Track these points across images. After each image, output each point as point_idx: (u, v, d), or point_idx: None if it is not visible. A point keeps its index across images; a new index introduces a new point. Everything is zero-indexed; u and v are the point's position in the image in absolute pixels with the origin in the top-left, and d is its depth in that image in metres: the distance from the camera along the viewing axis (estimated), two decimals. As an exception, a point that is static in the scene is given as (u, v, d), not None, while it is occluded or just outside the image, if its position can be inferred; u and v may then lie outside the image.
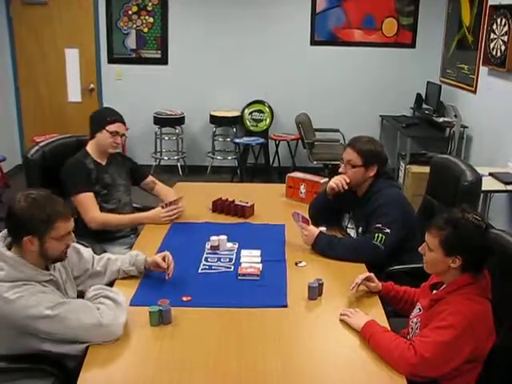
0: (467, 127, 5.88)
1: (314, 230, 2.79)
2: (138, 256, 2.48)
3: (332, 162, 6.34)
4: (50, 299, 1.99)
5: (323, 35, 7.00)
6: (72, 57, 6.93)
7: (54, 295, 2.05)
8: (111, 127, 3.16)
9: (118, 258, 2.49)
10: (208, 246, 2.80)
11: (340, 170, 2.96)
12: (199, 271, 2.56)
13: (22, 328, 1.96)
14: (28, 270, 2.02)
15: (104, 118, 3.21)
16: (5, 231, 2.10)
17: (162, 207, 3.15)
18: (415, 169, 5.75)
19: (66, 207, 2.11)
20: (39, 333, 1.96)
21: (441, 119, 6.13)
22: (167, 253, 2.47)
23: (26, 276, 2.01)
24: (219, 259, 2.67)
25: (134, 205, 3.47)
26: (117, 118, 3.22)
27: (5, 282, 1.96)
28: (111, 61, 7.00)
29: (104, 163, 3.25)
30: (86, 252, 2.44)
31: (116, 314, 2.02)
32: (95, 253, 2.51)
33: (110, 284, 2.39)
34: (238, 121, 6.98)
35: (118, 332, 2.00)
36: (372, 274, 2.38)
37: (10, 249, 2.05)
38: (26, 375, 2.07)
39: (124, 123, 3.25)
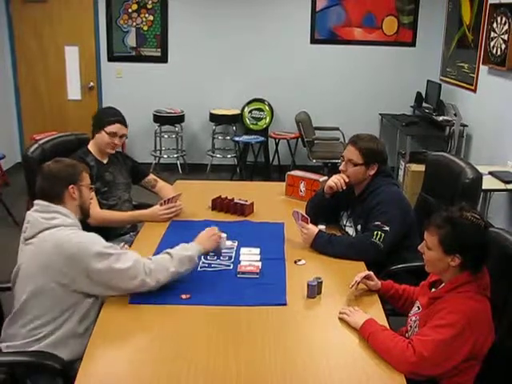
0: (467, 126, 5.89)
1: (314, 229, 2.78)
2: None
3: (332, 161, 6.35)
4: (103, 241, 2.22)
5: (323, 33, 7.00)
6: (72, 55, 6.94)
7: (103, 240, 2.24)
8: (109, 128, 3.17)
9: None
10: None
11: (340, 167, 2.95)
12: (198, 269, 2.55)
13: (77, 265, 2.11)
14: (74, 217, 2.30)
15: (103, 118, 3.22)
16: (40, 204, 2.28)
17: (161, 204, 3.15)
18: (415, 167, 5.75)
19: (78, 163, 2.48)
20: (90, 272, 2.12)
21: (441, 118, 6.13)
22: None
23: (75, 223, 2.29)
24: (218, 257, 2.67)
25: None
26: (116, 119, 3.21)
27: (62, 226, 2.20)
28: (111, 59, 7.00)
29: (105, 161, 3.26)
30: None
31: (159, 275, 2.23)
32: None
33: None
34: (237, 119, 6.98)
35: (152, 288, 2.23)
36: (371, 273, 2.38)
37: None
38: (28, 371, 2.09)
39: (124, 124, 3.25)
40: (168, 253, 2.32)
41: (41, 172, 2.36)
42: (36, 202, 2.27)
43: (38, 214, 2.22)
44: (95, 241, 2.18)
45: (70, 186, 2.31)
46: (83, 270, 2.11)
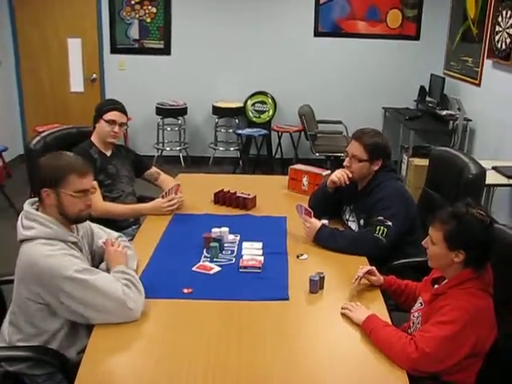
0: (471, 120, 5.86)
1: (316, 223, 2.78)
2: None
3: (334, 154, 6.34)
4: (80, 263, 2.03)
5: (327, 26, 6.97)
6: (74, 47, 6.93)
7: (83, 261, 2.08)
8: (107, 116, 3.18)
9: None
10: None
11: (345, 163, 2.94)
12: (201, 263, 2.55)
13: (48, 285, 1.98)
14: (56, 227, 2.08)
15: (101, 108, 3.24)
16: (32, 199, 2.18)
17: (163, 197, 3.15)
18: (418, 162, 5.74)
19: (84, 164, 2.17)
20: (62, 294, 1.97)
21: (444, 112, 6.11)
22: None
23: (56, 234, 2.06)
24: (221, 251, 2.66)
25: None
26: (113, 106, 3.23)
27: (38, 239, 2.03)
28: (114, 51, 6.99)
29: (108, 154, 3.27)
30: (96, 228, 2.47)
31: (139, 301, 2.04)
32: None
33: None
34: (240, 112, 6.97)
35: (136, 317, 2.02)
36: (373, 268, 2.37)
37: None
38: (27, 365, 2.08)
39: (123, 112, 3.25)
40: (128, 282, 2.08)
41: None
42: (31, 199, 2.16)
43: (22, 219, 2.11)
44: (68, 264, 1.98)
45: (43, 190, 2.07)
46: (55, 294, 1.98)
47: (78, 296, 1.97)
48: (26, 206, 2.14)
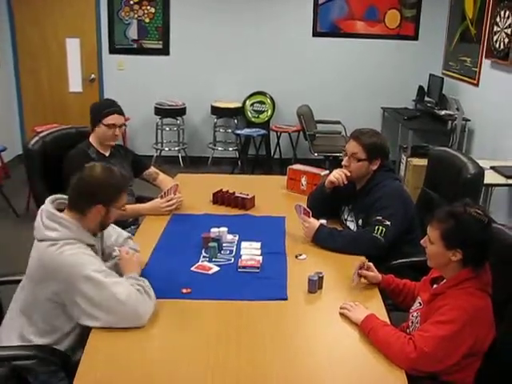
0: (469, 120, 5.87)
1: (315, 223, 2.78)
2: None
3: (333, 154, 6.33)
4: (97, 263, 2.07)
5: (325, 26, 6.97)
6: (73, 47, 6.91)
7: (101, 263, 2.11)
8: (107, 120, 3.17)
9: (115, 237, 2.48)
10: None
11: (343, 162, 2.94)
12: (199, 263, 2.55)
13: (65, 284, 2.00)
14: (78, 230, 2.11)
15: (100, 111, 3.21)
16: (54, 196, 2.18)
17: (161, 197, 3.15)
18: (416, 161, 5.74)
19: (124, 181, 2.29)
20: (77, 292, 1.99)
21: (443, 112, 6.11)
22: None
23: (76, 235, 2.10)
24: (219, 251, 2.66)
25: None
26: (112, 109, 3.21)
27: (59, 240, 2.05)
28: (112, 51, 6.98)
29: (107, 154, 3.26)
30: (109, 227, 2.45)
31: (148, 308, 2.05)
32: None
33: None
34: (239, 112, 6.96)
35: (143, 324, 2.02)
36: (370, 264, 2.38)
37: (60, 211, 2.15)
38: (31, 362, 2.08)
39: (122, 114, 3.25)
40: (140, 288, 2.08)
41: (85, 170, 2.18)
42: (53, 197, 2.17)
43: (43, 218, 2.10)
44: (86, 263, 2.02)
45: (98, 206, 2.12)
46: (71, 292, 2.00)
47: (92, 296, 1.98)
48: (48, 205, 2.14)
